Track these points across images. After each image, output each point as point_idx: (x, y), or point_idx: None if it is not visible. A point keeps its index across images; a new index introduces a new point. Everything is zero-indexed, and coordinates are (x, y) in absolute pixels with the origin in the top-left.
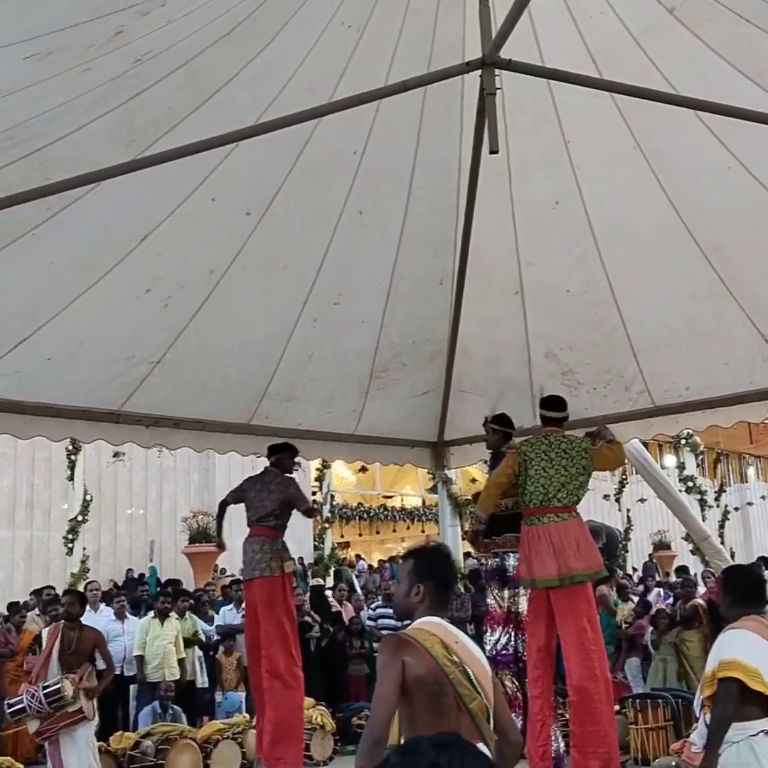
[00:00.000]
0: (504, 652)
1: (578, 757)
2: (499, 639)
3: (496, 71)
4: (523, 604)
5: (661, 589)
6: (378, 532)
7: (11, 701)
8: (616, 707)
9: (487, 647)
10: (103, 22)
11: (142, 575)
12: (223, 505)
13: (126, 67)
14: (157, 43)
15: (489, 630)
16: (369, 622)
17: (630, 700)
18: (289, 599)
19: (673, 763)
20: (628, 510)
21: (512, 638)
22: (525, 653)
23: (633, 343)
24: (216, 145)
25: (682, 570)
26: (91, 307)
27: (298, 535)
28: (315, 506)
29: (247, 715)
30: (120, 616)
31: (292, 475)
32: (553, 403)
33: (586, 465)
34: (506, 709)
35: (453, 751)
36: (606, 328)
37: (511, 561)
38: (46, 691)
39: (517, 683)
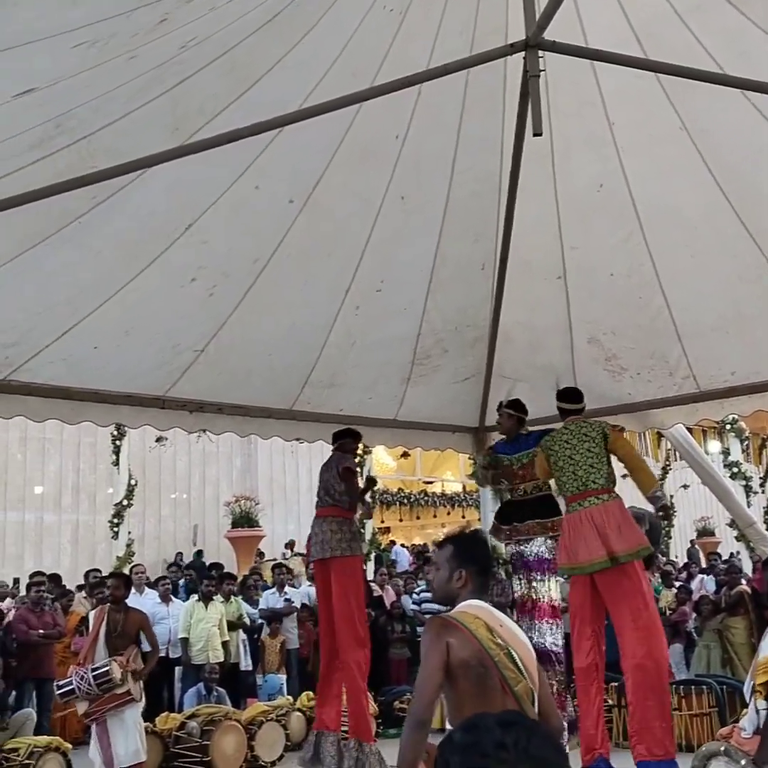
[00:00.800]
0: None
1: (637, 734)
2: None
3: (540, 53)
4: (541, 592)
5: (704, 576)
6: (418, 518)
7: (60, 682)
8: None
9: None
10: (148, 10)
11: (184, 557)
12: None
13: (171, 54)
14: (202, 30)
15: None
16: (413, 607)
17: (674, 686)
18: (362, 579)
19: (722, 748)
20: (671, 496)
21: (526, 627)
22: (543, 642)
23: (678, 327)
24: (259, 131)
25: (714, 556)
26: (137, 295)
27: None
28: (366, 504)
29: (290, 698)
30: (165, 598)
31: (352, 460)
32: (568, 395)
33: (607, 443)
34: (548, 694)
35: (519, 730)
36: (650, 311)
37: (533, 548)
38: (94, 672)
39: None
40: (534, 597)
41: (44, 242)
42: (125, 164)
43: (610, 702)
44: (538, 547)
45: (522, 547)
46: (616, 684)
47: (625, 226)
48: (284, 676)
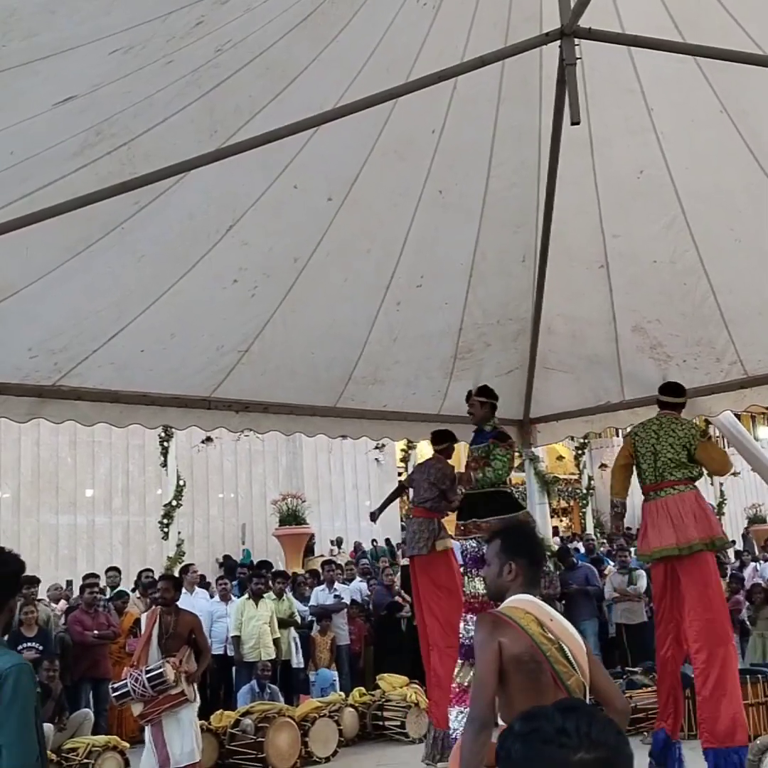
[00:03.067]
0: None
1: (705, 722)
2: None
3: (576, 41)
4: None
5: (757, 564)
6: None
7: (116, 685)
8: None
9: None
10: (184, 13)
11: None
12: (401, 488)
13: (207, 57)
14: (237, 31)
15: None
16: None
17: None
18: (445, 574)
19: None
20: (722, 484)
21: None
22: None
23: (724, 313)
24: (297, 130)
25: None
26: (180, 298)
27: (385, 517)
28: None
29: (342, 694)
30: (224, 597)
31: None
32: (670, 389)
33: (691, 449)
34: (608, 677)
35: (579, 715)
36: (695, 298)
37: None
38: (149, 674)
39: None
40: (479, 593)
41: (89, 248)
42: (165, 168)
43: None
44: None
45: (475, 545)
46: None
47: (668, 212)
48: (335, 672)
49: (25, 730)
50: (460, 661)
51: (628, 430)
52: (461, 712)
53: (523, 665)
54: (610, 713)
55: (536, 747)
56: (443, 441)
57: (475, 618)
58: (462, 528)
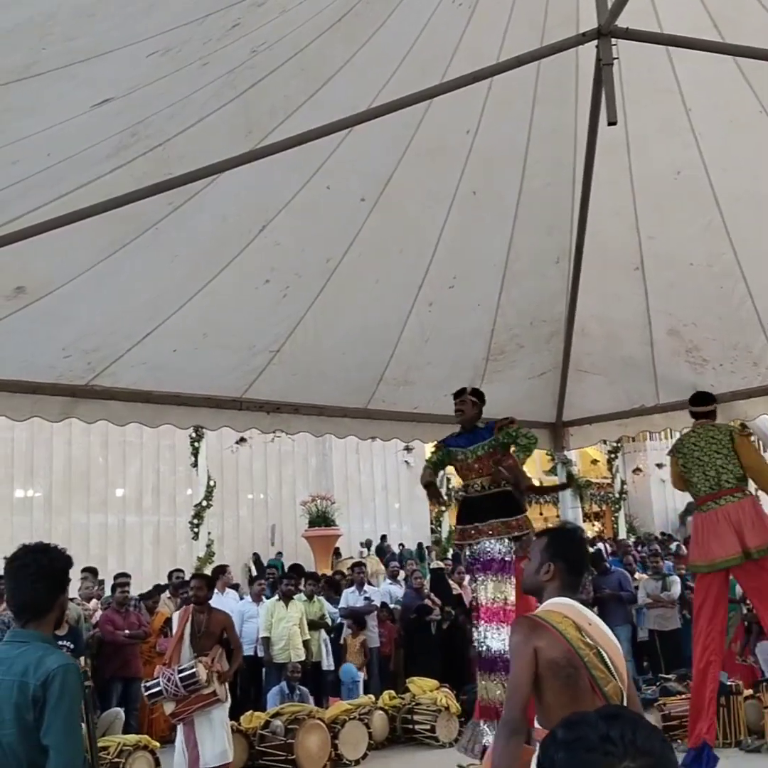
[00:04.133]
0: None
1: None
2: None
3: (613, 41)
4: (502, 595)
5: None
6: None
7: (148, 684)
8: (749, 692)
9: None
10: (220, 15)
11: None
12: None
13: (242, 58)
14: (273, 33)
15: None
16: None
17: (764, 684)
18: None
19: None
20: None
21: (483, 631)
22: (501, 649)
23: (761, 316)
24: (331, 131)
25: None
26: (213, 299)
27: (416, 519)
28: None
29: (372, 696)
30: (257, 598)
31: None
32: (698, 399)
33: (734, 445)
34: (632, 686)
35: (624, 722)
36: (732, 301)
37: (495, 547)
38: (181, 674)
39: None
40: (494, 599)
41: (123, 249)
42: (200, 170)
43: None
44: (500, 546)
45: (482, 547)
46: None
47: (705, 213)
48: (360, 673)
49: (73, 731)
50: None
51: (669, 448)
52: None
53: (560, 670)
54: None
55: (580, 755)
56: None
57: (490, 628)
58: (463, 533)
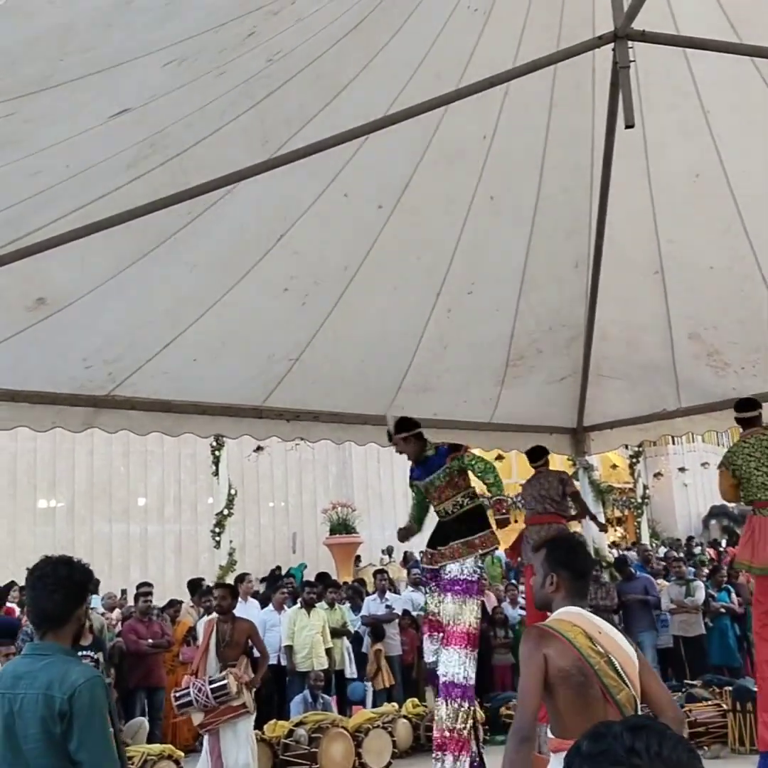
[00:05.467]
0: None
1: None
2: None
3: (630, 43)
4: (459, 617)
5: None
6: (516, 521)
7: (178, 693)
8: None
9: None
10: (236, 24)
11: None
12: None
13: (258, 67)
14: (288, 41)
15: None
16: (521, 612)
17: None
18: None
19: None
20: None
21: (433, 651)
22: (456, 673)
23: None
24: (347, 139)
25: None
26: (232, 307)
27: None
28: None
29: (396, 705)
30: (279, 607)
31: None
32: (744, 405)
33: None
34: (661, 685)
35: (649, 734)
36: (753, 304)
37: (455, 568)
38: (212, 685)
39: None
40: (449, 622)
41: (143, 259)
42: (217, 179)
43: (725, 706)
44: (462, 567)
45: (441, 569)
46: (730, 688)
47: (724, 216)
48: (368, 683)
49: (107, 745)
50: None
51: (720, 460)
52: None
53: (570, 678)
54: (665, 721)
55: None
56: (537, 459)
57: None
58: (429, 556)
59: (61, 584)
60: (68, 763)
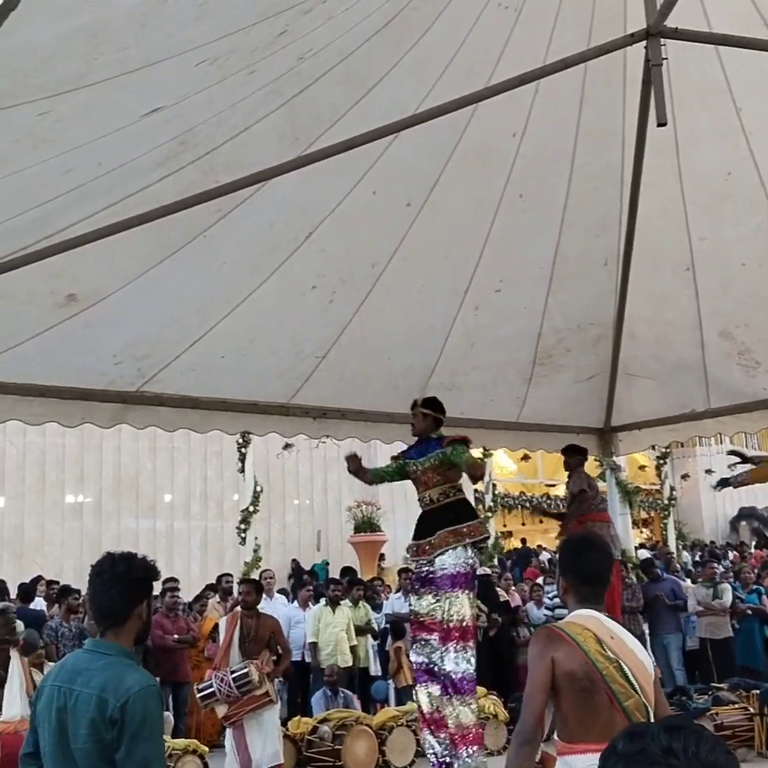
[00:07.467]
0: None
1: None
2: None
3: (662, 41)
4: (451, 612)
5: None
6: (541, 522)
7: (201, 686)
8: None
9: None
10: (268, 23)
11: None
12: None
13: (289, 65)
14: (319, 39)
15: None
16: (546, 612)
17: None
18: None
19: None
20: None
21: (429, 651)
22: (451, 670)
23: None
24: (377, 137)
25: None
26: (260, 305)
27: None
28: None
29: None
30: (304, 604)
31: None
32: None
33: None
34: (665, 703)
35: (687, 734)
36: None
37: (445, 560)
38: (233, 675)
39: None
40: (441, 618)
41: (172, 256)
42: (247, 177)
43: (752, 709)
44: (452, 559)
45: (432, 562)
46: (757, 692)
47: (757, 213)
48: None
49: (154, 757)
50: (422, 685)
51: None
52: (438, 739)
53: (576, 682)
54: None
55: None
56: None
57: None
58: (415, 549)
59: (119, 580)
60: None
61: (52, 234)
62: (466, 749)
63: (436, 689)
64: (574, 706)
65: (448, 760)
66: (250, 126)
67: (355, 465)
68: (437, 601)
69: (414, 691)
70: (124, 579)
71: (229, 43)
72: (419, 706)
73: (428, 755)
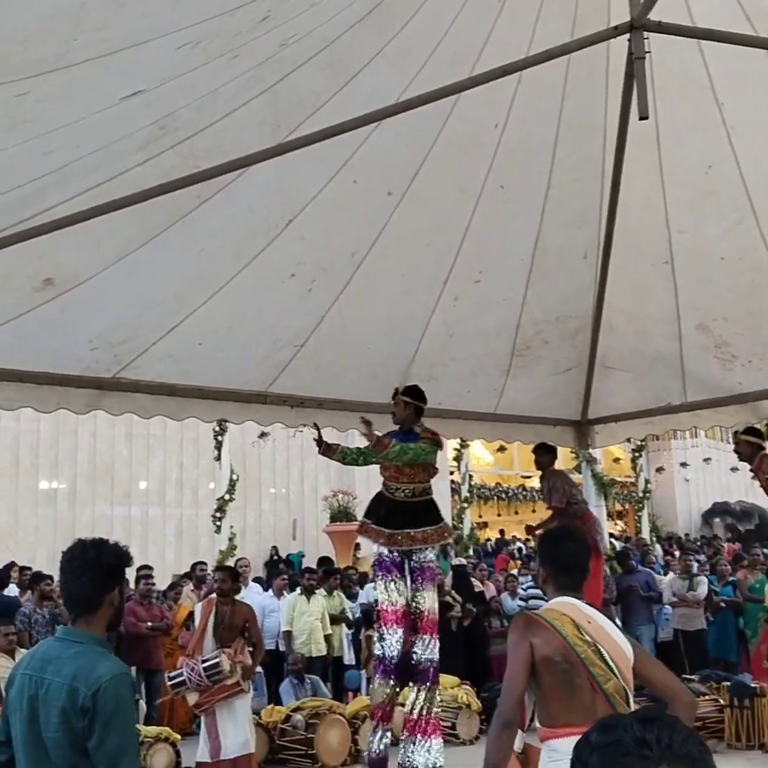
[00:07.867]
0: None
1: None
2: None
3: (645, 34)
4: (427, 604)
5: None
6: (517, 513)
7: (172, 674)
8: None
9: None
10: (251, 8)
11: (280, 557)
12: None
13: (272, 51)
14: (302, 25)
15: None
16: (520, 603)
17: None
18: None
19: None
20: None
21: (400, 641)
22: (432, 658)
23: None
24: (359, 125)
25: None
26: (239, 292)
27: None
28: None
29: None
30: (279, 592)
31: (559, 470)
32: None
33: None
34: (667, 673)
35: (661, 726)
36: (763, 296)
37: (426, 555)
38: (205, 664)
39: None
40: (420, 609)
41: (151, 241)
42: (228, 163)
43: (723, 701)
44: (431, 555)
45: (412, 554)
46: (727, 683)
47: (736, 208)
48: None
49: (127, 746)
50: (378, 679)
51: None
52: (384, 733)
53: (554, 666)
54: (678, 707)
55: (615, 759)
56: (541, 453)
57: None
58: (391, 537)
59: (89, 567)
60: (86, 759)
61: (30, 217)
62: (431, 738)
63: (393, 681)
64: (554, 690)
65: (386, 752)
66: (232, 111)
67: (368, 429)
68: (419, 592)
69: (376, 683)
70: (94, 566)
71: (212, 27)
72: (382, 700)
73: (372, 749)
